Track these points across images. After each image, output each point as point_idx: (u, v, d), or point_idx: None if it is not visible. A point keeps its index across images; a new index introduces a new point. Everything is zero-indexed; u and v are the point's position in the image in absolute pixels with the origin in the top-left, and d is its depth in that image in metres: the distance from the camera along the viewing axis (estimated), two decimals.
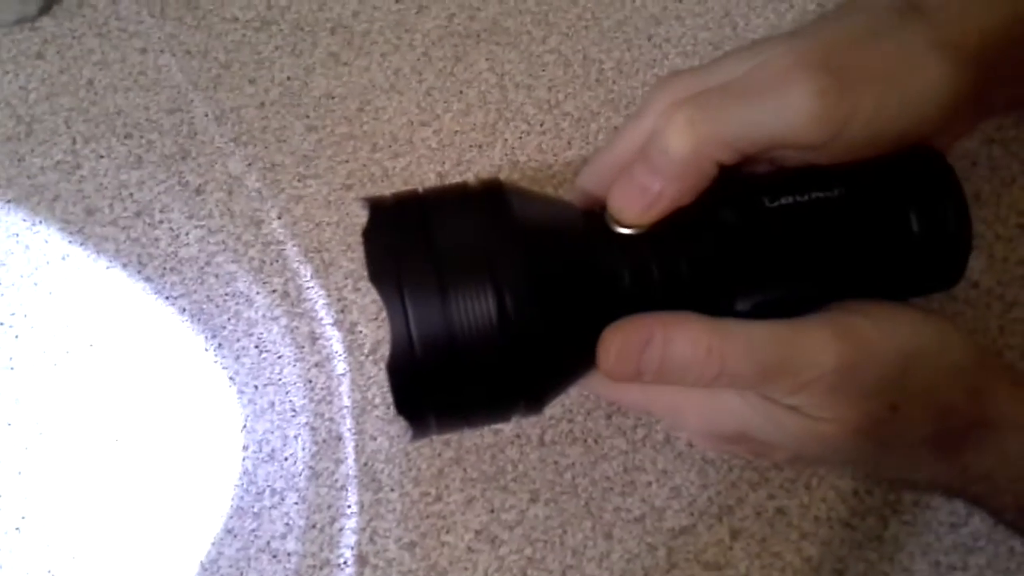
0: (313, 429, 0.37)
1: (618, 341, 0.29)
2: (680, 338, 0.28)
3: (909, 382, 0.29)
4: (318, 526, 0.36)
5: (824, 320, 0.29)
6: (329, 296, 0.39)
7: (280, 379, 0.38)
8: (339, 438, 0.37)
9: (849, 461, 0.33)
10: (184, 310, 0.39)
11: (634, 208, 0.29)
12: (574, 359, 0.30)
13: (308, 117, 0.43)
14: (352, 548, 0.35)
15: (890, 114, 0.28)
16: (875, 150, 0.29)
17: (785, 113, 0.28)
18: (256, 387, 0.38)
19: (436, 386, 0.28)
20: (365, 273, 0.39)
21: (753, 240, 0.29)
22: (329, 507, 0.36)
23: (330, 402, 0.38)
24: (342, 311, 0.39)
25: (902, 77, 0.28)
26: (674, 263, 0.29)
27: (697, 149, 0.28)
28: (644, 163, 0.29)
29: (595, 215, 0.30)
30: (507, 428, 0.36)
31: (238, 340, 0.38)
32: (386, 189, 0.41)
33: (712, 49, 0.44)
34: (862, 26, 0.29)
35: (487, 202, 0.29)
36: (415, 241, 0.28)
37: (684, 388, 0.30)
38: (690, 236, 0.30)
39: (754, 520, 0.36)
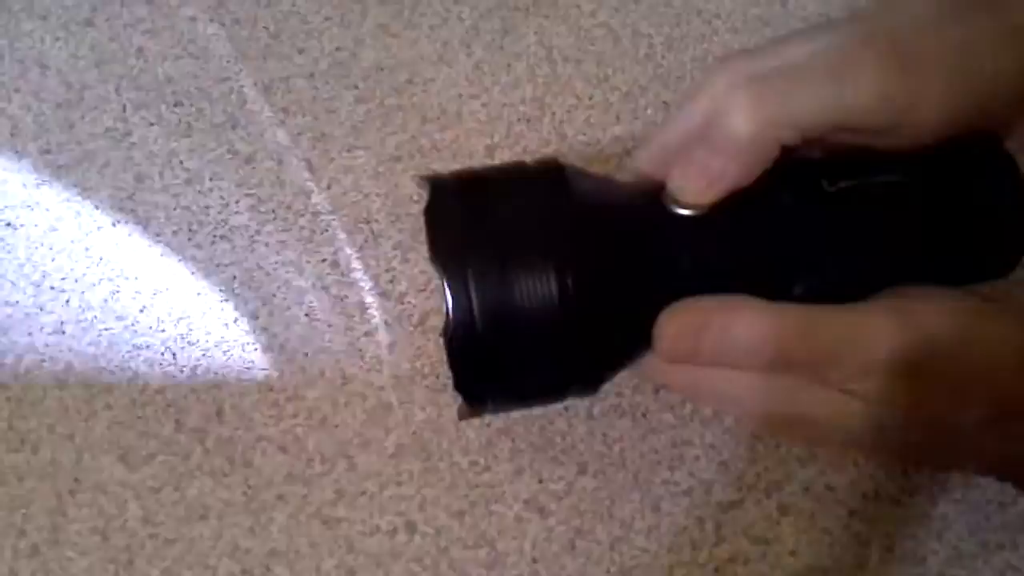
0: (363, 397, 0.37)
1: (675, 324, 0.28)
2: (737, 322, 0.28)
3: (968, 368, 0.29)
4: (368, 493, 0.36)
5: (882, 305, 0.28)
6: (378, 266, 0.39)
7: (330, 347, 0.38)
8: (388, 407, 0.37)
9: (904, 448, 0.32)
10: (235, 278, 0.39)
11: (695, 186, 0.29)
12: (631, 340, 0.30)
13: (357, 88, 0.43)
14: (402, 516, 0.36)
15: (957, 101, 0.28)
16: (939, 138, 0.29)
17: (852, 94, 0.27)
18: (307, 354, 0.38)
19: (496, 364, 0.28)
20: (413, 244, 0.40)
21: (812, 224, 0.29)
22: (379, 475, 0.36)
23: (379, 371, 0.38)
24: (391, 281, 0.39)
25: (970, 64, 0.28)
26: (732, 245, 0.29)
27: (762, 129, 0.28)
28: (706, 142, 0.29)
29: (653, 196, 0.30)
30: None
31: (288, 309, 0.39)
32: (435, 161, 0.41)
33: (762, 25, 0.44)
34: (929, 12, 0.29)
35: (547, 182, 0.29)
36: (476, 221, 0.28)
37: (738, 372, 0.30)
38: (749, 219, 0.30)
39: (803, 496, 0.36)
